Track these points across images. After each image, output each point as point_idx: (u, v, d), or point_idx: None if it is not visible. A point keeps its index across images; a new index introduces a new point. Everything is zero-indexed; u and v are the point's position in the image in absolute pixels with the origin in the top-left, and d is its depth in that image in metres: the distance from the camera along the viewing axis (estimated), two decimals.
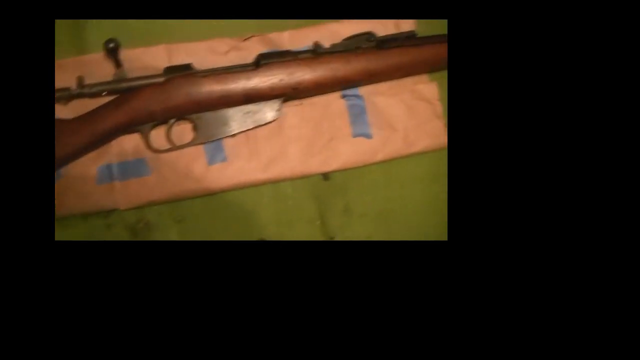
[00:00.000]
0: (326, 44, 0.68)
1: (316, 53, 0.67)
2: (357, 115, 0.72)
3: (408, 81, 0.74)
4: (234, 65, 0.67)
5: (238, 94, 0.65)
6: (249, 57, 0.68)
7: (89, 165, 0.67)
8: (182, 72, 0.65)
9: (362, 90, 0.73)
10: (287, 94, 0.67)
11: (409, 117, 0.73)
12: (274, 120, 0.68)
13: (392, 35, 0.70)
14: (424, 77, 0.75)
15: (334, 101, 0.72)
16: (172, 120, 0.66)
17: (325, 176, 0.71)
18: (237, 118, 0.67)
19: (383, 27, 0.72)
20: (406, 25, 0.74)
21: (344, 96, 0.72)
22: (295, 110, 0.71)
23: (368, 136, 0.71)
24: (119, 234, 0.68)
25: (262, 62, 0.66)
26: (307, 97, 0.70)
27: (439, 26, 0.67)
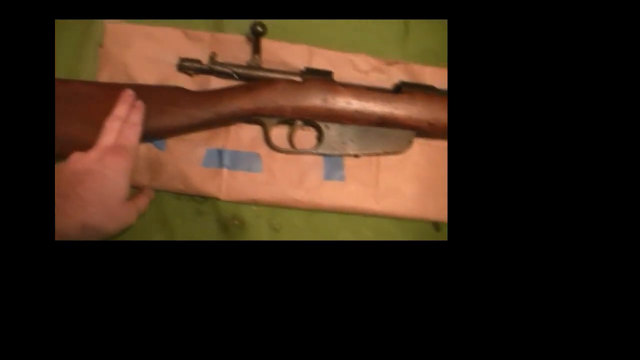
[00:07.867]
0: None
1: None
2: None
3: None
4: (375, 87, 0.63)
5: (374, 113, 0.61)
6: (388, 83, 0.65)
7: (198, 144, 0.61)
8: (323, 76, 0.62)
9: None
10: (422, 129, 0.63)
11: None
12: (401, 152, 0.64)
13: None
14: None
15: None
16: (299, 122, 0.62)
17: (437, 226, 0.65)
18: (366, 139, 0.63)
19: None
20: None
21: None
22: (422, 148, 0.66)
23: None
24: (208, 224, 0.62)
25: (405, 89, 0.63)
26: (437, 138, 0.66)
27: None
